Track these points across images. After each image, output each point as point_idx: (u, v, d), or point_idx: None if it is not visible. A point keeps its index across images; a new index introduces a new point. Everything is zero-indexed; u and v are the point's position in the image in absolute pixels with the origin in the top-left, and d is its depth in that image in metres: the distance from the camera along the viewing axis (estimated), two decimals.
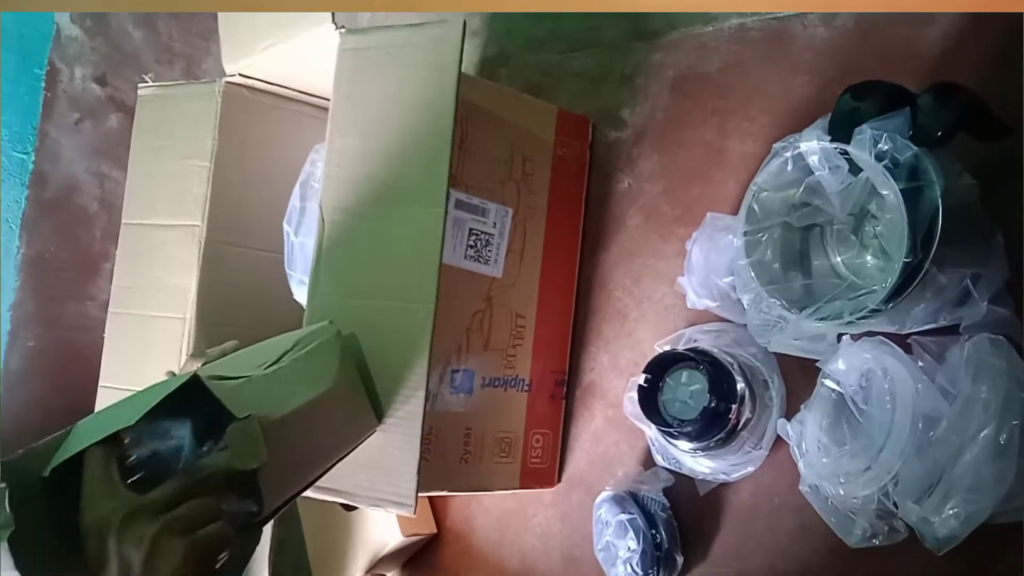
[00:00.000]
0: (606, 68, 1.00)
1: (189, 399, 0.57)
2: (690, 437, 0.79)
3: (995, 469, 0.60)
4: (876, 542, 0.66)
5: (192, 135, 1.03)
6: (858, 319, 0.64)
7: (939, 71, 0.75)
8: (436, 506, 1.08)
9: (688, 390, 0.80)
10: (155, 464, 0.55)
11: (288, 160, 1.03)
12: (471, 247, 0.88)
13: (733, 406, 0.77)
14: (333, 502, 0.79)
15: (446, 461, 0.87)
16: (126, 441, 0.55)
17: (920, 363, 0.66)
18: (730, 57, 0.90)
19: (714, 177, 0.89)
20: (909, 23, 0.78)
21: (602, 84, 1.01)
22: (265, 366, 0.67)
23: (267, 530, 0.96)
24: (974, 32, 0.74)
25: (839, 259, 0.74)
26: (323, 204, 0.84)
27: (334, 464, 0.72)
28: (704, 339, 0.83)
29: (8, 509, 0.51)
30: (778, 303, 0.69)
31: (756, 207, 0.72)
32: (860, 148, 0.62)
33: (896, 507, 0.64)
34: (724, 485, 0.83)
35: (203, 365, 0.68)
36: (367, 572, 1.07)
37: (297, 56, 0.98)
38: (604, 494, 0.86)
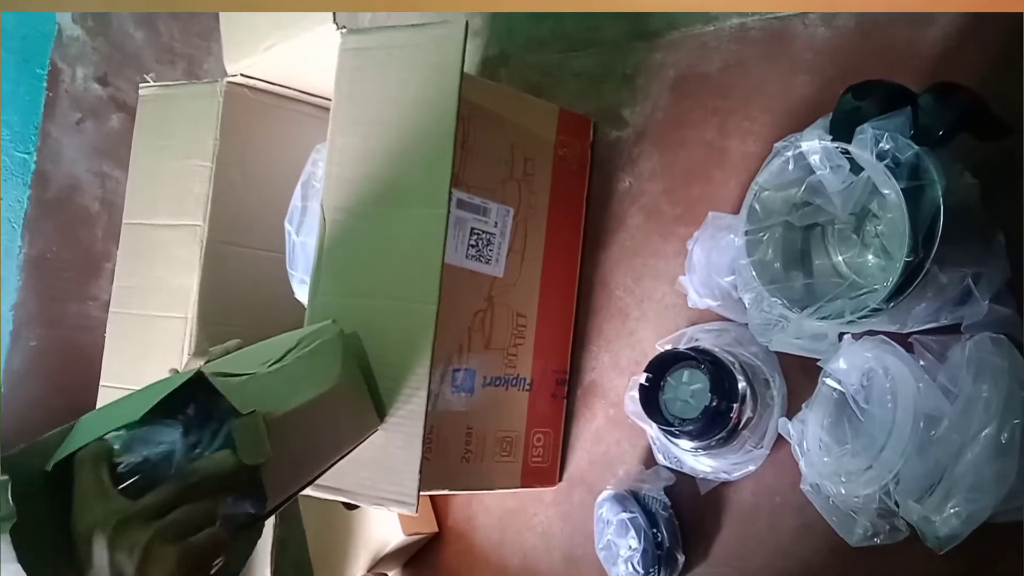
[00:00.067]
0: (607, 68, 1.00)
1: (193, 395, 0.57)
2: (691, 436, 0.79)
3: (996, 468, 0.60)
4: (877, 541, 0.66)
5: (193, 135, 1.03)
6: (859, 318, 0.64)
7: (940, 71, 0.75)
8: (437, 505, 1.08)
9: (689, 389, 0.80)
10: (147, 469, 0.54)
11: (289, 160, 1.03)
12: (472, 247, 0.88)
13: (734, 405, 0.77)
14: (335, 501, 0.79)
15: (447, 460, 0.87)
16: (116, 447, 0.55)
17: (921, 362, 0.66)
18: (731, 57, 0.90)
19: (715, 176, 0.89)
20: (910, 23, 0.78)
21: (603, 84, 1.01)
22: (268, 364, 0.68)
23: (269, 529, 0.97)
24: (974, 32, 0.74)
25: (840, 258, 0.74)
26: (324, 204, 0.84)
27: (336, 462, 0.72)
28: (705, 338, 0.83)
29: (11, 502, 0.51)
30: (779, 302, 0.69)
31: (757, 206, 0.72)
32: (861, 147, 0.63)
33: (897, 506, 0.64)
34: (725, 484, 0.83)
35: (206, 363, 0.68)
36: (368, 571, 1.07)
37: (298, 56, 0.98)
38: (605, 493, 0.86)
